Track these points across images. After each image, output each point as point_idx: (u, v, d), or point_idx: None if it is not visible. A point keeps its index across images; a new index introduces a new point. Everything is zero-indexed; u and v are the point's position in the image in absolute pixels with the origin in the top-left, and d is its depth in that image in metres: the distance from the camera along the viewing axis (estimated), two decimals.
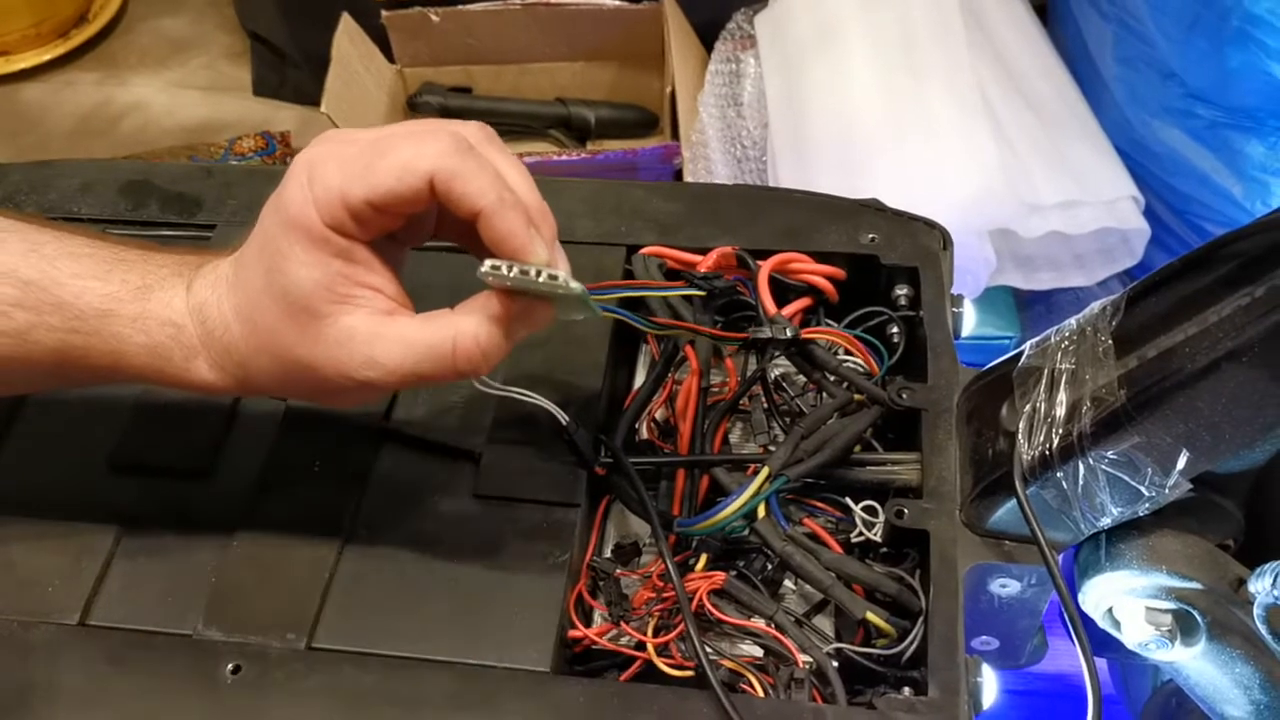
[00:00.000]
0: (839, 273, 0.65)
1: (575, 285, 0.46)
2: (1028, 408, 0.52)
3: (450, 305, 0.48)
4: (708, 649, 0.52)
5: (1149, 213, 1.28)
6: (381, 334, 0.46)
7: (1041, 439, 0.50)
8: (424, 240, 0.51)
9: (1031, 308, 1.36)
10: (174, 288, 0.49)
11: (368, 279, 0.47)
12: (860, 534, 0.57)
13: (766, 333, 0.59)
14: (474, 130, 0.48)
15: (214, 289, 0.49)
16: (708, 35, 1.57)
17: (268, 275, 0.46)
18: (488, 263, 0.46)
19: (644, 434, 0.63)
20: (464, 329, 0.46)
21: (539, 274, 0.45)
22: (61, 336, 0.49)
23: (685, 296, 0.62)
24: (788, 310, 0.63)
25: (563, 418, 0.55)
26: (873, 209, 0.67)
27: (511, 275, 0.45)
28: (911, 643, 0.52)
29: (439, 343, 0.46)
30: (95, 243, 0.51)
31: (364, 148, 0.45)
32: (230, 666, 0.51)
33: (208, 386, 0.50)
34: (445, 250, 0.52)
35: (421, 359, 0.46)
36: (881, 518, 0.56)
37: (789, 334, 0.59)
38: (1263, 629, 0.49)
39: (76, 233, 0.51)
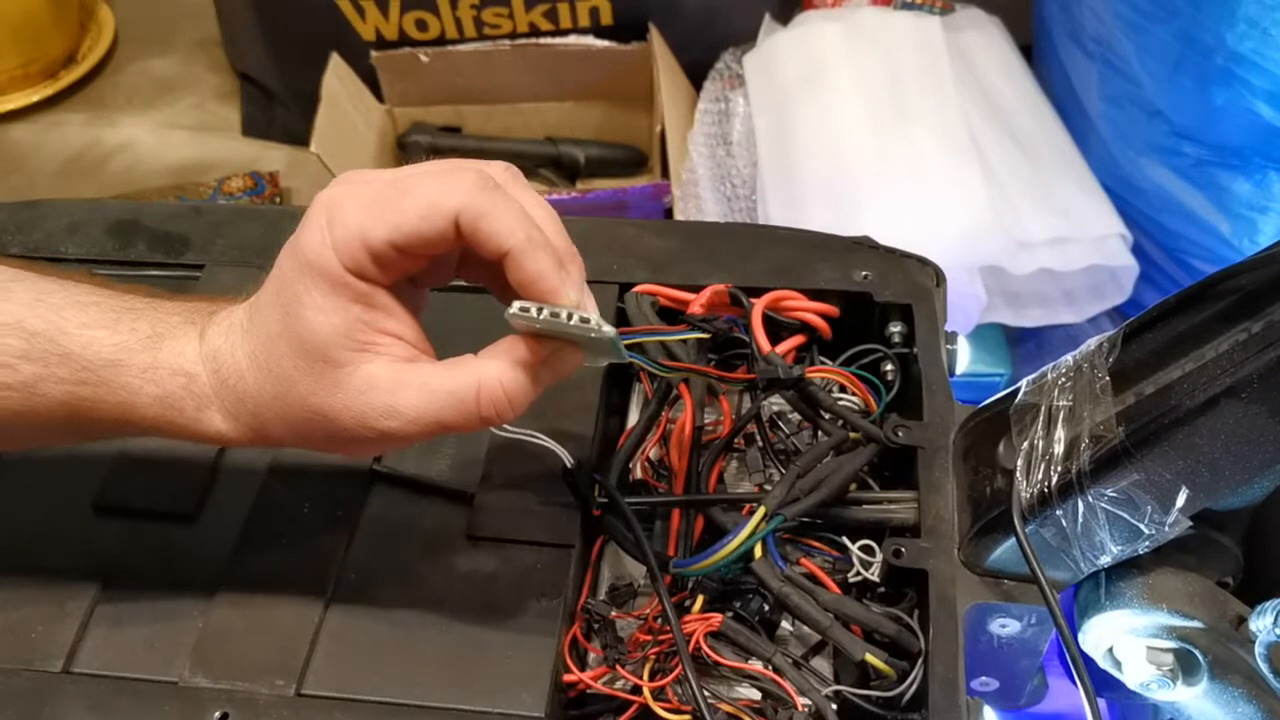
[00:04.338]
0: (832, 310, 0.65)
1: (608, 329, 0.45)
2: (1025, 445, 0.52)
3: (473, 350, 0.46)
4: (705, 692, 0.51)
5: (1137, 250, 1.29)
6: (403, 382, 0.45)
7: (1040, 476, 0.50)
8: (445, 283, 0.50)
9: (1022, 344, 1.36)
10: (186, 336, 0.48)
11: (388, 325, 0.45)
12: (858, 574, 0.56)
13: (776, 372, 0.59)
14: (500, 170, 0.46)
15: (228, 336, 0.47)
16: (696, 74, 1.58)
17: (284, 321, 0.45)
18: (516, 304, 0.44)
19: (638, 473, 0.62)
20: (489, 375, 0.45)
21: (570, 317, 0.44)
22: (69, 388, 0.47)
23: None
24: (782, 348, 0.63)
25: (568, 459, 0.54)
26: (865, 246, 0.67)
27: (541, 318, 0.44)
28: (911, 684, 0.51)
29: (463, 390, 0.45)
30: (103, 291, 0.49)
31: (385, 187, 0.44)
32: (218, 715, 0.50)
33: (220, 438, 0.48)
34: (467, 291, 0.50)
35: (444, 407, 0.45)
36: (879, 557, 0.56)
37: (795, 373, 0.59)
38: (1264, 668, 0.49)
39: (84, 281, 0.50)
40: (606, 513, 0.57)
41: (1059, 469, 0.49)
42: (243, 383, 0.47)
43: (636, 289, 0.65)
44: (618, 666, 0.54)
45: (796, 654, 0.55)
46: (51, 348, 0.47)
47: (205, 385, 0.47)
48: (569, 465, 0.55)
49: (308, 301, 0.44)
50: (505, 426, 0.51)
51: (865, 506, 0.57)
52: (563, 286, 0.44)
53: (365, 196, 0.44)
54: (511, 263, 0.44)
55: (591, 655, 0.56)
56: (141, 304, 0.49)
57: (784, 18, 1.52)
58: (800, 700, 0.52)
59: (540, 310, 0.44)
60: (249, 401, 0.47)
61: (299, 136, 1.61)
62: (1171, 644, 0.52)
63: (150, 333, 0.48)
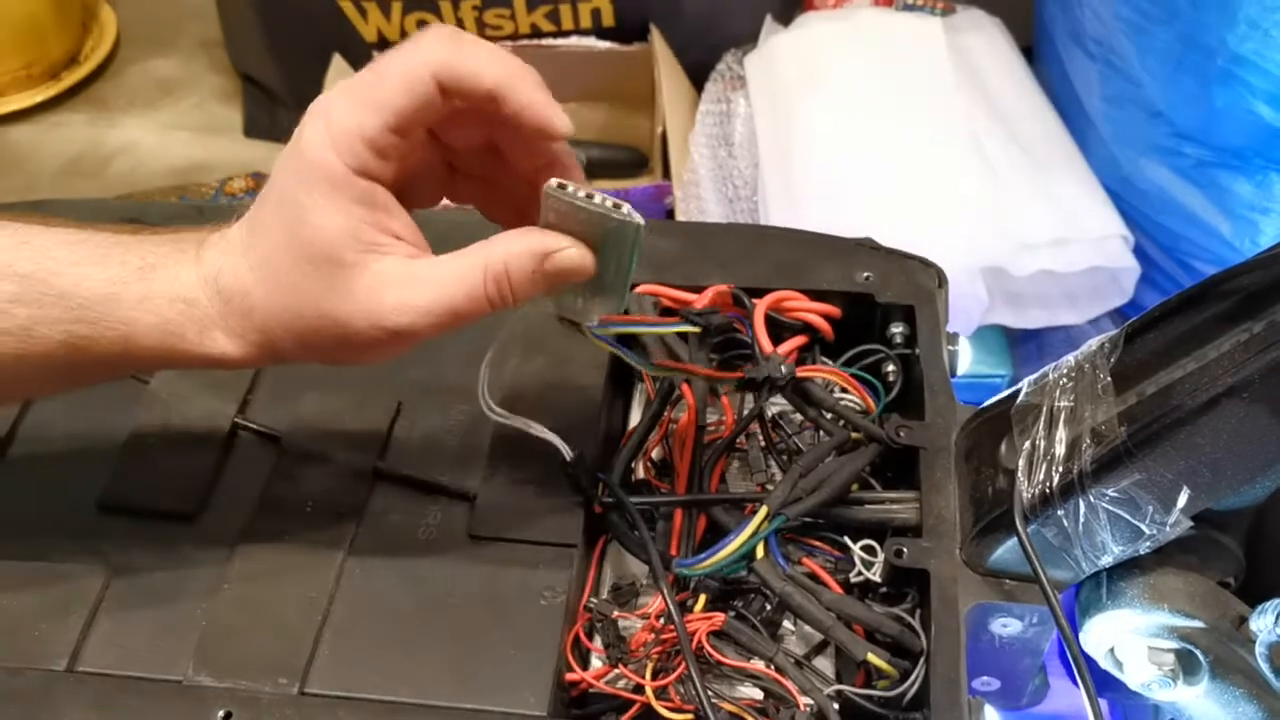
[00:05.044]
0: (834, 311, 0.65)
1: (638, 216, 0.46)
2: (1027, 445, 0.52)
3: None
4: (708, 691, 0.51)
5: (1138, 251, 1.29)
6: (414, 275, 0.46)
7: (1041, 476, 0.50)
8: (433, 203, 0.51)
9: (1023, 346, 1.36)
10: (180, 262, 0.48)
11: (391, 225, 0.46)
12: (859, 574, 0.56)
13: (768, 371, 0.59)
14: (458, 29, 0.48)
15: (226, 256, 0.47)
16: (698, 76, 1.58)
17: (288, 230, 0.45)
18: (555, 180, 0.45)
19: (640, 473, 0.62)
20: (494, 253, 0.46)
21: (604, 200, 0.45)
22: (66, 328, 0.47)
23: (682, 336, 0.62)
24: (784, 348, 0.63)
25: (567, 451, 0.54)
26: (867, 247, 0.67)
27: (580, 196, 0.45)
28: (913, 684, 0.51)
29: (469, 271, 0.46)
30: (86, 229, 0.49)
31: (364, 77, 0.46)
32: (221, 713, 0.50)
33: (226, 360, 0.48)
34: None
35: (454, 293, 0.46)
36: (881, 557, 0.56)
37: (784, 372, 0.59)
38: (1265, 667, 0.49)
39: (64, 223, 0.50)
40: (609, 511, 0.57)
41: (1060, 469, 0.49)
42: (248, 299, 0.47)
43: (639, 289, 0.65)
44: (620, 665, 0.54)
45: (799, 653, 0.55)
46: (44, 289, 0.47)
47: (207, 308, 0.47)
48: (568, 457, 0.55)
49: (310, 205, 0.45)
50: (505, 414, 0.51)
51: (867, 506, 0.58)
52: (557, 114, 0.46)
53: (351, 92, 0.45)
54: (500, 96, 0.45)
55: (594, 654, 0.56)
56: (129, 239, 0.49)
57: (785, 19, 1.52)
58: (802, 699, 0.52)
59: (578, 190, 0.45)
60: (255, 317, 0.47)
61: None
62: (1173, 644, 0.52)
63: (141, 264, 0.48)
